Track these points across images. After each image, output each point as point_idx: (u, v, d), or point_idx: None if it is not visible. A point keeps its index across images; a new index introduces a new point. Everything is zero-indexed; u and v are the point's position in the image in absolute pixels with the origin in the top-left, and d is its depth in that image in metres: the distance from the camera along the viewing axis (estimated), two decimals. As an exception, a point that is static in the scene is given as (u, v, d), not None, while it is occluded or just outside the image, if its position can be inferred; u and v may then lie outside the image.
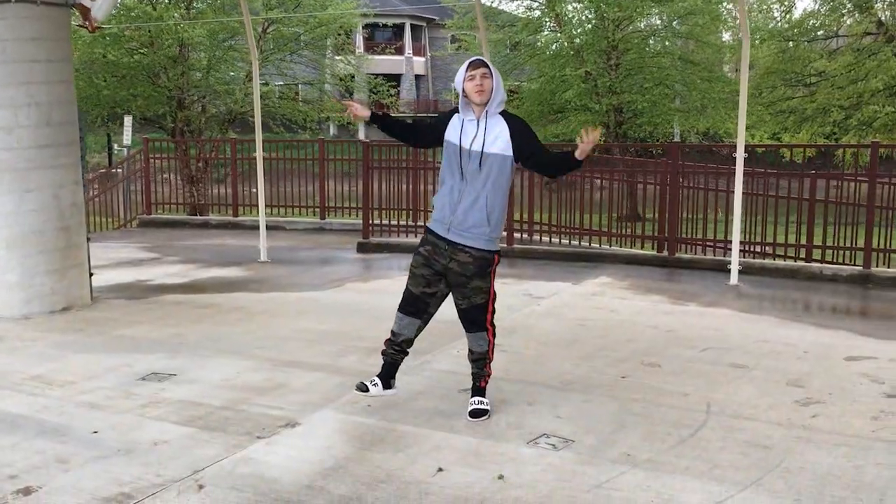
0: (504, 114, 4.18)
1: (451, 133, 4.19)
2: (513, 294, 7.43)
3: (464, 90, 4.10)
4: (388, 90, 24.92)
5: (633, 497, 3.33)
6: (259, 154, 9.55)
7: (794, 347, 5.53)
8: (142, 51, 19.07)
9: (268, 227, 12.07)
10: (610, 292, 7.47)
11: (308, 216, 13.22)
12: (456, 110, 4.25)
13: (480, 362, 4.38)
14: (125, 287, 7.97)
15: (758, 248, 8.91)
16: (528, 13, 25.48)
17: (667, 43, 24.17)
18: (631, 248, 10.04)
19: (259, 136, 9.51)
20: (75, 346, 5.75)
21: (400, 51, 48.93)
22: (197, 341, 5.86)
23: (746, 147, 7.57)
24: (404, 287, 4.45)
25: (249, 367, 5.21)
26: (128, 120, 14.15)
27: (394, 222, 11.04)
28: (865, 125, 23.45)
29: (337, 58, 24.56)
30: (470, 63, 4.10)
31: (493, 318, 4.33)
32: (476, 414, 4.24)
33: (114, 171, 15.22)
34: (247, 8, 9.26)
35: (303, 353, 5.56)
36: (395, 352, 4.52)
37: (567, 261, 9.22)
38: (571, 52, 23.45)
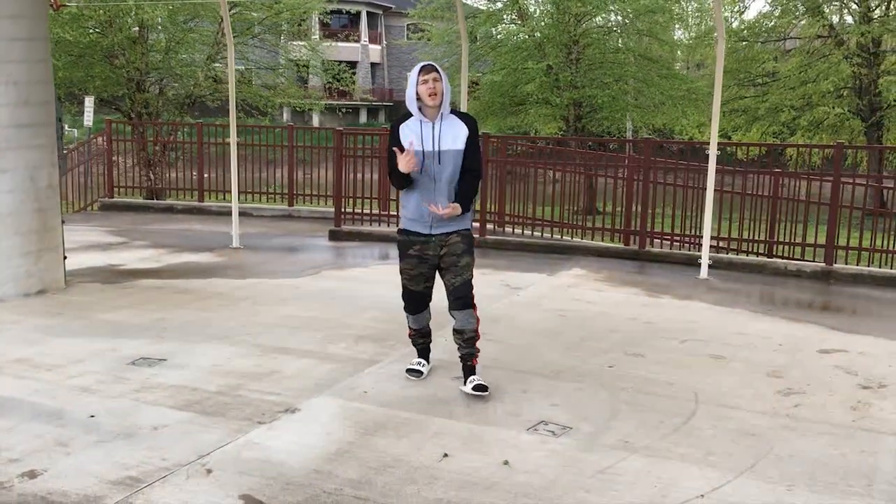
0: (459, 114, 4.50)
1: (422, 141, 4.40)
2: (491, 284, 7.53)
3: (417, 94, 4.36)
4: (350, 77, 24.78)
5: (635, 482, 3.46)
6: (233, 139, 9.47)
7: (769, 340, 5.74)
8: (98, 30, 18.63)
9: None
10: (585, 284, 7.62)
11: (275, 203, 13.13)
12: (401, 120, 4.47)
13: (471, 340, 4.56)
14: (98, 271, 7.85)
15: (723, 244, 9.16)
16: (490, 5, 25.56)
17: (626, 39, 24.48)
18: (597, 241, 10.22)
19: (233, 120, 9.42)
20: (57, 330, 5.67)
21: (356, 38, 48.61)
22: (181, 326, 5.83)
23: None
24: (402, 290, 4.73)
25: (239, 353, 5.21)
26: (89, 101, 13.85)
27: (365, 210, 11.04)
28: (815, 125, 24.17)
29: (294, 43, 24.31)
30: (422, 68, 4.37)
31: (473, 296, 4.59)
32: (480, 388, 4.43)
33: (63, 152, 14.87)
34: (223, -9, 9.16)
35: (290, 339, 5.58)
36: (424, 339, 4.91)
37: (539, 252, 9.35)
38: (533, 46, 23.63)
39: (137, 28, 18.69)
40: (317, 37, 25.02)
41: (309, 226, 11.57)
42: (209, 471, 3.52)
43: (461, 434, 3.96)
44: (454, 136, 4.38)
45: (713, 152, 7.82)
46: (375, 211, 11.25)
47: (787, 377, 4.90)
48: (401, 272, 4.68)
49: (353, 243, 10.09)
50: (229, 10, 20.14)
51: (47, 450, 3.70)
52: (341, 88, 24.47)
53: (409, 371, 4.81)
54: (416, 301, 4.70)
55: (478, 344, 4.59)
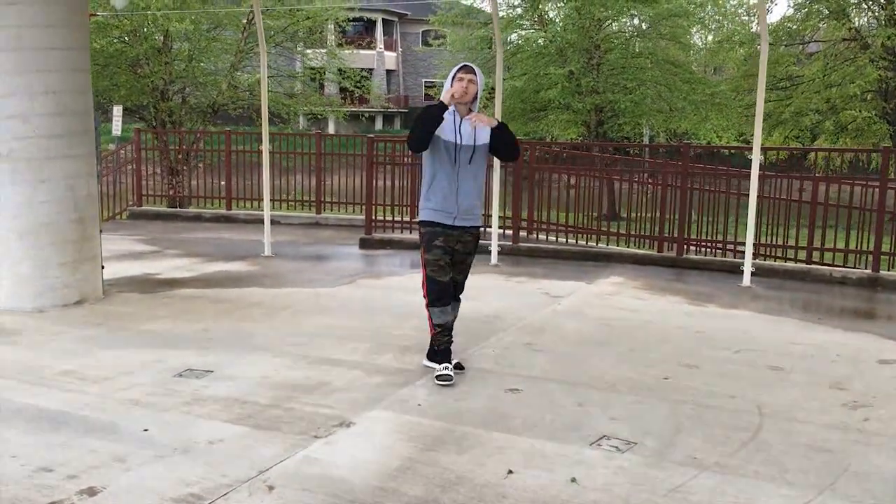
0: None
1: (447, 131, 4.62)
2: (530, 293, 7.44)
3: (451, 87, 4.58)
4: (369, 84, 24.79)
5: (711, 501, 3.34)
6: (265, 146, 9.43)
7: (825, 350, 5.60)
8: (124, 40, 18.71)
9: (262, 222, 11.96)
10: (626, 292, 7.50)
11: (302, 211, 13.08)
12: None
13: (450, 331, 4.92)
14: (134, 280, 7.81)
15: (763, 251, 9.01)
16: (511, 11, 25.49)
17: (648, 44, 24.33)
18: (628, 247, 10.09)
19: (266, 128, 9.39)
20: (100, 341, 5.62)
21: (371, 45, 48.68)
22: (224, 337, 5.76)
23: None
24: (427, 283, 4.79)
25: (285, 365, 5.13)
26: (117, 110, 13.88)
27: (393, 218, 10.97)
28: (839, 130, 23.90)
29: (314, 51, 24.33)
30: (462, 67, 4.63)
31: None
32: (459, 367, 4.92)
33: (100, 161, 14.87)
34: (256, -1, 9.13)
35: (335, 350, 5.49)
36: (448, 337, 4.91)
37: (574, 260, 9.24)
38: (555, 51, 23.53)
39: (162, 37, 18.74)
40: (332, 44, 25.03)
41: (338, 234, 11.52)
42: (271, 487, 3.44)
43: (523, 449, 3.85)
44: (482, 132, 4.66)
45: (756, 157, 7.69)
46: (406, 218, 11.18)
47: (850, 389, 4.76)
48: (426, 264, 4.77)
49: (384, 251, 10.02)
50: (251, 18, 20.30)
51: (104, 465, 3.62)
52: (362, 95, 24.39)
53: (439, 378, 4.75)
54: (444, 292, 4.78)
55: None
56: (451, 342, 4.91)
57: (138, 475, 3.53)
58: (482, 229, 5.01)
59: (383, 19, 50.16)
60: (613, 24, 24.80)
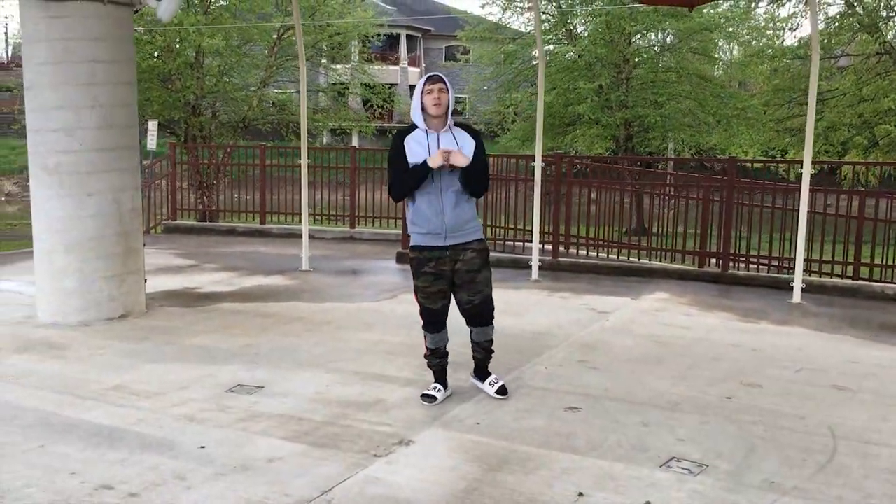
0: (465, 127, 4.46)
1: (417, 152, 4.36)
2: (575, 308, 7.31)
3: (422, 104, 4.36)
4: (394, 98, 24.85)
5: (797, 527, 3.20)
6: (304, 161, 9.41)
7: (889, 370, 5.43)
8: (157, 55, 18.87)
9: (297, 235, 11.93)
10: (673, 308, 7.36)
11: (336, 225, 13.05)
12: (404, 133, 4.45)
13: (489, 349, 4.72)
14: (175, 294, 7.78)
15: (810, 266, 8.82)
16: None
17: (679, 58, 24.16)
18: (667, 262, 9.93)
19: (304, 142, 9.37)
20: (147, 356, 5.57)
21: (395, 61, 48.87)
22: (271, 352, 5.69)
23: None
24: (420, 308, 4.64)
25: (337, 381, 5.05)
26: (153, 124, 13.94)
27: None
28: (873, 144, 23.58)
29: (339, 66, 24.37)
30: (428, 78, 4.35)
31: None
32: (503, 391, 4.68)
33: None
34: (298, 11, 9.14)
35: (386, 366, 5.40)
36: (440, 360, 4.77)
37: (615, 275, 9.10)
38: (584, 65, 23.43)
39: (194, 53, 18.88)
40: (357, 59, 25.14)
41: (373, 248, 11.46)
42: (336, 509, 3.34)
43: (591, 471, 3.73)
44: (462, 145, 4.36)
45: (807, 171, 7.53)
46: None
47: (922, 410, 4.60)
48: (417, 291, 4.59)
49: (422, 266, 9.91)
50: (282, 34, 20.44)
51: (165, 483, 3.55)
52: (385, 110, 24.42)
53: (423, 397, 4.65)
54: (435, 320, 4.61)
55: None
56: (445, 364, 4.78)
57: (200, 494, 3.45)
58: (485, 241, 4.65)
59: (407, 35, 50.37)
60: (643, 39, 24.68)
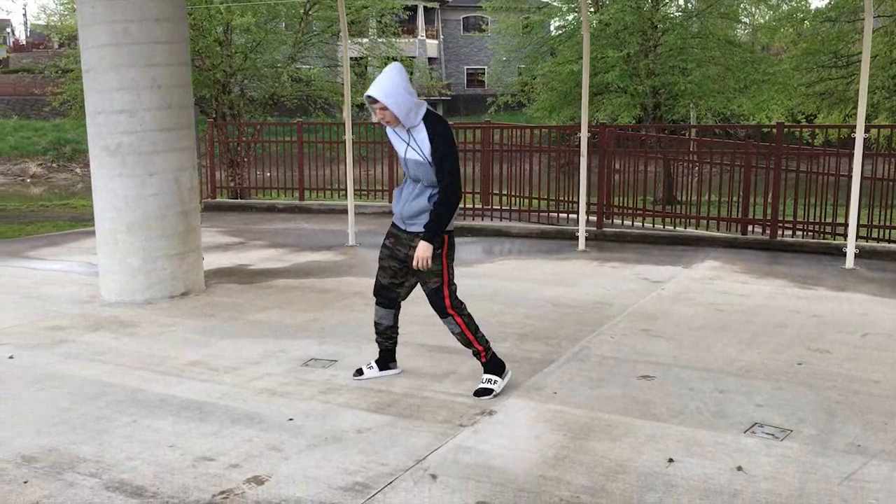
0: (426, 118, 4.15)
1: (395, 146, 4.34)
2: (628, 278, 7.34)
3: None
4: (432, 72, 24.70)
5: (891, 490, 3.24)
6: (349, 137, 9.44)
7: (956, 333, 5.43)
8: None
9: (338, 211, 12.05)
10: (726, 276, 7.36)
11: (375, 200, 13.11)
12: None
13: (466, 346, 4.47)
14: (229, 271, 7.89)
15: (862, 231, 8.77)
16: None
17: (708, 23, 23.84)
18: (703, 230, 9.90)
19: (349, 118, 9.40)
20: (217, 332, 5.68)
21: (413, 33, 48.53)
22: (336, 327, 5.78)
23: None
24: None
25: (405, 354, 5.11)
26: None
27: (468, 205, 10.94)
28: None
29: (365, 41, 24.26)
30: (366, 97, 4.10)
31: (452, 301, 4.37)
32: (479, 393, 4.35)
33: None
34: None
35: (447, 339, 5.41)
36: (384, 338, 4.68)
37: (661, 244, 9.11)
38: (612, 33, 23.19)
39: (223, 31, 18.90)
40: (375, 33, 25.03)
41: (414, 222, 11.50)
42: (434, 476, 3.42)
43: (676, 437, 3.78)
44: (419, 146, 4.15)
45: (860, 136, 7.46)
46: (479, 206, 11.15)
47: None
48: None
49: (464, 238, 9.97)
50: (310, 9, 20.39)
51: (262, 455, 3.65)
52: (427, 83, 24.30)
53: (354, 374, 4.66)
54: (379, 292, 4.53)
55: (478, 344, 4.41)
56: (386, 344, 4.65)
57: (298, 464, 3.55)
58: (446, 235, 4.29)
59: (424, 7, 49.97)
60: (670, 4, 24.37)
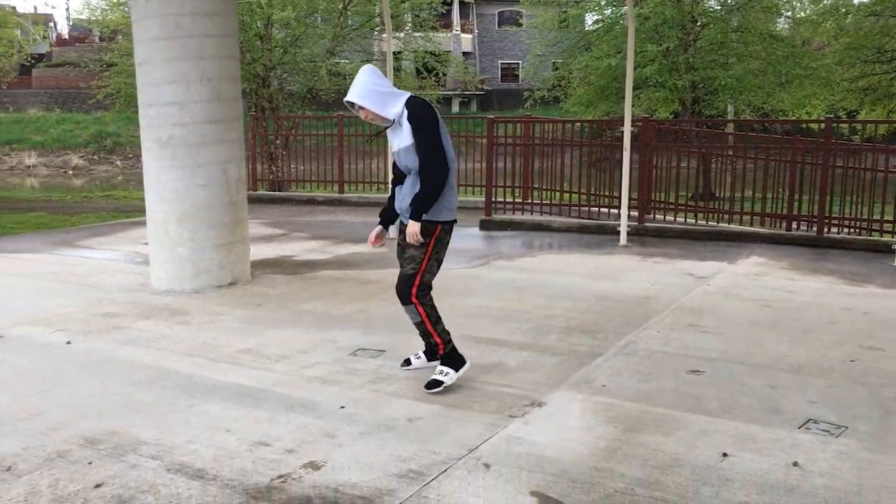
0: (407, 105, 4.14)
1: (390, 140, 4.35)
2: (672, 273, 7.30)
3: None
4: (467, 66, 24.71)
5: (952, 487, 3.21)
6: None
7: None
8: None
9: (377, 204, 12.09)
10: (773, 273, 7.29)
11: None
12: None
13: (423, 335, 4.44)
14: (273, 262, 7.99)
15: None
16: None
17: (750, 17, 23.51)
18: (745, 226, 9.79)
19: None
20: (266, 321, 5.76)
21: (447, 27, 48.43)
22: (383, 317, 5.83)
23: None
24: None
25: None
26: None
27: (514, 199, 10.94)
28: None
29: (397, 34, 24.29)
30: (346, 104, 4.20)
31: (418, 291, 4.32)
32: (429, 385, 4.32)
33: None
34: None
35: (496, 331, 5.50)
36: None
37: (705, 240, 9.04)
38: (651, 27, 22.99)
39: (263, 25, 19.07)
40: (410, 28, 25.05)
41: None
42: (487, 465, 3.45)
43: (729, 432, 3.77)
44: (401, 136, 4.19)
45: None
46: (519, 200, 11.15)
47: None
48: None
49: (506, 233, 9.99)
50: (348, 4, 20.48)
51: (316, 441, 3.71)
52: (464, 78, 24.28)
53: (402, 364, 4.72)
54: None
55: (438, 338, 4.36)
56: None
57: (353, 450, 3.60)
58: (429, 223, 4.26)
59: (460, 1, 49.87)
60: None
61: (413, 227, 4.21)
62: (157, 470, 3.40)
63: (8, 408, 4.11)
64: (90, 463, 3.47)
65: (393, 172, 4.50)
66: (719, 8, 24.24)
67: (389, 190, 4.59)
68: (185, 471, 3.40)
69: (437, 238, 4.30)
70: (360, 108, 4.16)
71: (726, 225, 9.51)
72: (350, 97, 4.15)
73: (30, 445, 3.65)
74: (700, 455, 3.53)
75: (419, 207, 4.19)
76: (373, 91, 4.14)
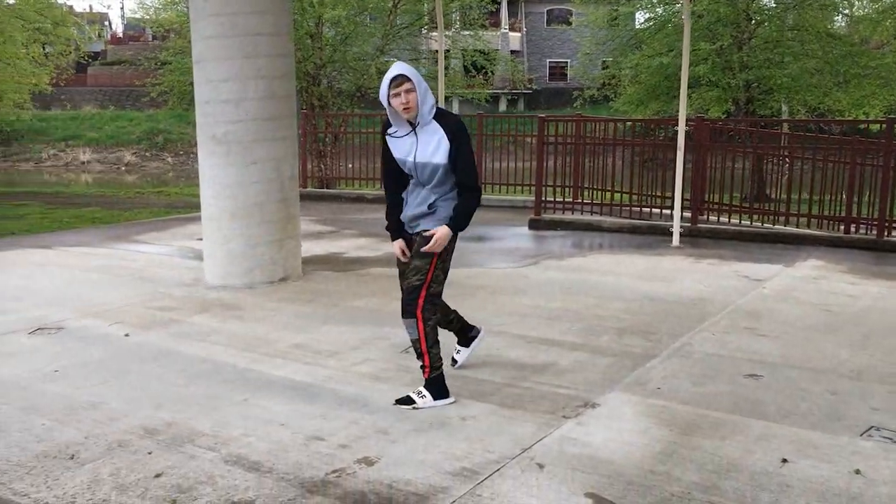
0: (441, 117, 4.00)
1: (396, 151, 4.11)
2: (727, 275, 7.18)
3: (390, 105, 3.94)
4: (517, 66, 24.66)
5: None
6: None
7: None
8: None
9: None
10: (832, 276, 7.12)
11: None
12: (386, 126, 4.13)
13: (416, 353, 4.23)
14: (324, 259, 8.06)
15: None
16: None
17: (808, 15, 23.00)
18: (795, 228, 9.57)
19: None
20: (318, 317, 5.81)
21: (496, 26, 48.29)
22: (433, 316, 5.83)
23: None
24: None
25: (505, 344, 5.14)
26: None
27: (564, 198, 10.87)
28: None
29: (433, 34, 24.29)
30: (392, 79, 3.87)
31: (424, 304, 4.15)
32: (400, 400, 4.13)
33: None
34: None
35: (548, 330, 5.47)
36: (451, 327, 4.66)
37: (760, 242, 8.87)
38: (704, 25, 22.64)
39: (314, 24, 19.26)
40: (458, 26, 25.06)
41: (502, 215, 11.52)
42: (541, 465, 3.43)
43: (788, 438, 3.69)
44: (434, 147, 3.96)
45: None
46: (569, 199, 11.06)
47: None
48: None
49: (555, 232, 9.93)
50: (399, 2, 20.56)
51: (370, 437, 3.72)
52: (513, 77, 24.27)
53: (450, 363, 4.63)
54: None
55: (427, 359, 4.14)
56: (458, 327, 4.67)
57: (406, 447, 3.61)
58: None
59: (508, -1, 49.75)
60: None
61: (444, 234, 4.05)
62: (214, 461, 3.45)
63: (70, 397, 4.21)
64: (150, 453, 3.54)
65: (390, 178, 4.23)
66: (775, 6, 23.75)
67: (388, 197, 4.31)
68: (242, 463, 3.44)
69: (446, 249, 4.23)
70: (407, 90, 3.88)
71: (782, 227, 9.30)
72: (404, 72, 3.87)
73: (91, 434, 3.73)
74: (759, 460, 3.46)
75: (459, 221, 4.08)
76: (423, 81, 3.96)
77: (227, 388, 4.37)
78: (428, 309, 4.16)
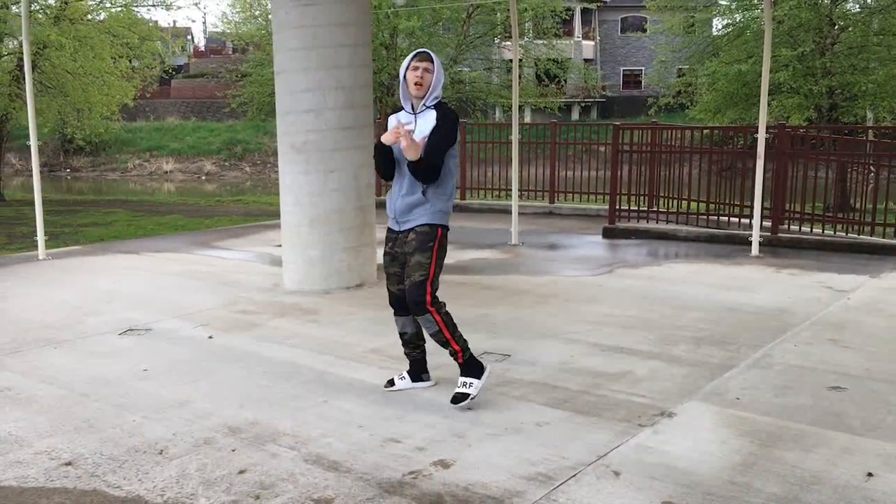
0: (437, 107, 4.08)
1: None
2: (808, 286, 6.99)
3: (405, 78, 4.07)
4: (592, 74, 24.55)
5: None
6: (515, 137, 9.55)
7: None
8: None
9: (497, 210, 12.19)
10: (920, 288, 6.86)
11: (535, 200, 13.16)
12: (394, 111, 4.25)
13: (443, 346, 4.25)
14: (399, 266, 8.16)
15: None
16: (736, -9, 24.20)
17: (894, 19, 22.19)
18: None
19: (515, 119, 9.50)
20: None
21: (569, 34, 48.00)
22: (507, 322, 5.87)
23: None
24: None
25: (580, 352, 5.13)
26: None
27: (639, 207, 10.75)
28: None
29: (505, 44, 24.26)
30: (416, 54, 4.07)
31: (432, 298, 4.18)
32: (455, 399, 4.17)
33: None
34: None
35: (622, 339, 5.43)
36: (411, 349, 4.52)
37: (843, 252, 8.60)
38: (785, 31, 22.08)
39: (389, 35, 19.59)
40: (531, 35, 25.05)
41: (576, 223, 11.47)
42: (616, 473, 3.42)
43: (874, 451, 3.58)
44: (423, 130, 4.04)
45: None
46: (644, 207, 10.94)
47: None
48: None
49: (630, 241, 9.83)
50: (473, 13, 20.73)
51: (445, 440, 3.77)
52: (586, 85, 24.15)
53: (385, 385, 4.51)
54: (392, 301, 4.44)
55: (456, 344, 4.21)
56: (415, 355, 4.50)
57: (482, 451, 3.64)
58: (432, 225, 4.17)
59: (582, 7, 49.41)
60: (850, 0, 22.90)
61: (417, 143, 3.96)
62: (294, 460, 3.56)
63: (159, 395, 4.39)
64: (233, 450, 3.66)
65: (383, 166, 4.24)
66: (859, 10, 23.00)
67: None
68: (322, 462, 3.53)
69: (439, 242, 4.26)
70: (426, 68, 4.02)
71: (867, 237, 9.00)
72: (430, 54, 4.09)
73: (179, 431, 3.89)
74: (843, 474, 3.37)
75: (426, 162, 4.02)
76: (442, 72, 4.13)
77: (307, 389, 4.48)
78: (436, 299, 4.24)
